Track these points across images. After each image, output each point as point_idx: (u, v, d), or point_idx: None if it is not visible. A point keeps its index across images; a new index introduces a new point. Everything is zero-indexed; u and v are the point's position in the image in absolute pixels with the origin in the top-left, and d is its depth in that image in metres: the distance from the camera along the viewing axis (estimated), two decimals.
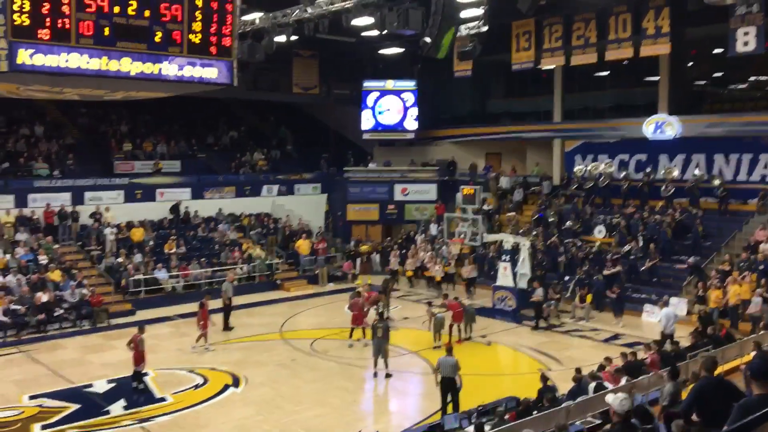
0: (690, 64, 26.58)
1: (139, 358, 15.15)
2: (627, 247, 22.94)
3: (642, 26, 22.15)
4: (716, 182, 23.76)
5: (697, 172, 24.50)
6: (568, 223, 25.40)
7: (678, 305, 19.57)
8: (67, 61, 12.75)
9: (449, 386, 13.11)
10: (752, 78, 24.92)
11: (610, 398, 5.98)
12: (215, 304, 19.52)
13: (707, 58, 25.86)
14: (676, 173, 25.13)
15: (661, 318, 17.35)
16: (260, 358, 17.45)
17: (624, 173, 26.37)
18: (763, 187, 23.01)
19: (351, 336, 18.66)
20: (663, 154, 26.02)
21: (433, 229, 28.80)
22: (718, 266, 20.69)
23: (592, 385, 11.36)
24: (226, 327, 20.09)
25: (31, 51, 12.39)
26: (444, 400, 13.10)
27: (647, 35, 22.02)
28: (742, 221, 22.69)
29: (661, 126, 24.62)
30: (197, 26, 14.24)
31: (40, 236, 23.83)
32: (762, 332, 16.39)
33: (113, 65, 13.30)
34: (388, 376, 15.80)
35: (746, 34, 19.51)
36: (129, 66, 13.52)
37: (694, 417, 6.75)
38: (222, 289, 20.69)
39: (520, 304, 21.80)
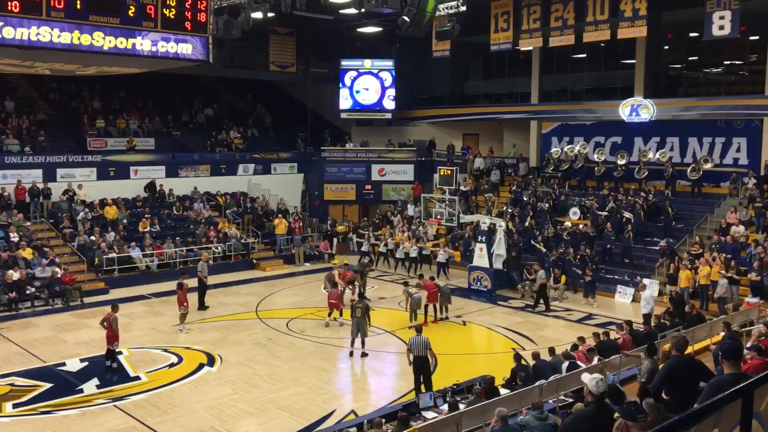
0: (666, 47, 26.76)
1: (113, 337, 15.04)
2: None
3: (620, 8, 22.23)
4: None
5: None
6: (544, 204, 25.56)
7: (650, 286, 19.86)
8: (38, 34, 12.47)
9: (422, 365, 13.21)
10: (727, 62, 25.16)
11: (586, 378, 6.02)
12: (191, 283, 19.39)
13: (683, 42, 26.05)
14: (651, 155, 25.38)
15: (648, 300, 17.56)
16: (236, 338, 17.41)
17: (599, 155, 26.54)
18: (735, 170, 23.35)
19: (329, 315, 18.67)
20: (638, 137, 26.28)
21: (411, 209, 28.84)
22: (690, 248, 21.01)
23: (566, 364, 11.53)
24: (202, 306, 19.98)
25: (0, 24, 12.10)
26: (417, 379, 13.21)
27: (624, 17, 22.12)
28: (714, 204, 23.01)
29: (637, 109, 24.81)
30: (172, 0, 14.00)
31: (13, 213, 23.42)
32: (732, 313, 16.75)
33: (85, 39, 13.04)
34: (364, 355, 15.87)
35: (722, 18, 19.75)
36: (101, 40, 13.28)
37: (663, 395, 6.87)
38: (197, 268, 20.55)
39: (495, 284, 21.97)
